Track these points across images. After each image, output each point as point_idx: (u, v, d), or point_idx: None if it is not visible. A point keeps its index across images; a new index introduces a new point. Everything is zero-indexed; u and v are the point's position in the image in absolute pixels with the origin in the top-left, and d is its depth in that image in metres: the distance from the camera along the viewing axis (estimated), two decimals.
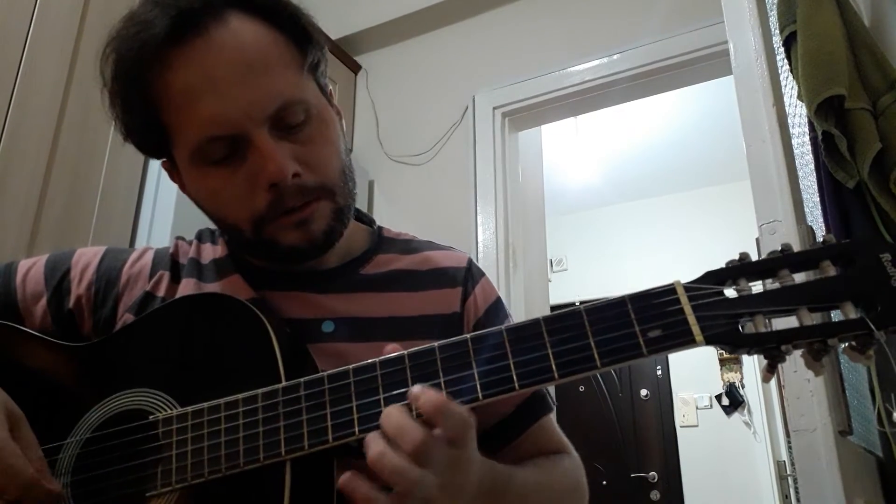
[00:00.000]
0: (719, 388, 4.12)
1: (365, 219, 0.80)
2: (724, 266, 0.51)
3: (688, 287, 0.50)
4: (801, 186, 1.16)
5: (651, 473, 4.15)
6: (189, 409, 0.57)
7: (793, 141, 1.20)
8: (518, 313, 2.09)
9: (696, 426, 4.14)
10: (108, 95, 0.65)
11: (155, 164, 1.77)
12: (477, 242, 2.15)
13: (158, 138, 0.65)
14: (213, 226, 0.77)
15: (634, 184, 4.50)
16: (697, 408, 4.16)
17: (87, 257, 0.74)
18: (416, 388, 0.50)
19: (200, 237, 0.78)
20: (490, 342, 0.53)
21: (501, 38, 2.36)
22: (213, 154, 0.62)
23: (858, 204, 1.14)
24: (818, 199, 1.21)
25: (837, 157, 1.14)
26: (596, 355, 0.50)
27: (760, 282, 0.50)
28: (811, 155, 1.23)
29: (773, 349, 0.48)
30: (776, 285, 0.49)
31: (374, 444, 0.49)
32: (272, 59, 0.63)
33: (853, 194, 1.14)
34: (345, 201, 0.67)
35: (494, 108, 2.29)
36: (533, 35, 2.31)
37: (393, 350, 0.55)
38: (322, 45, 0.68)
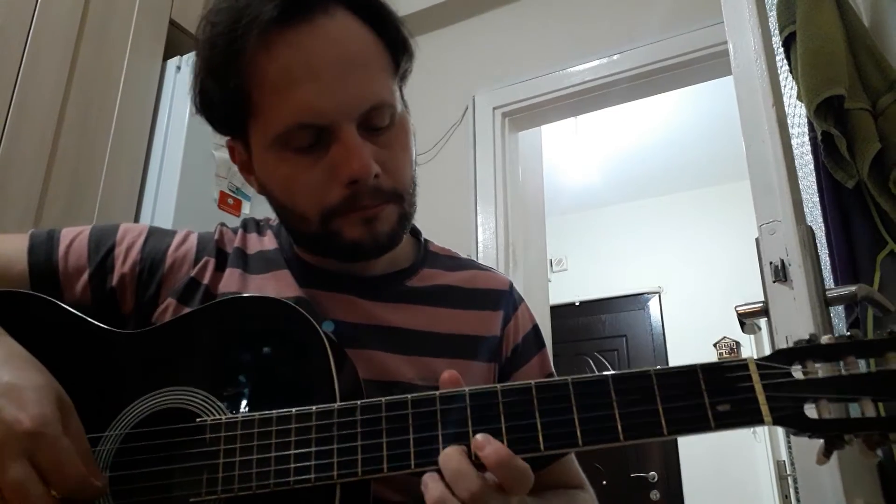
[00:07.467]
0: None
1: (412, 230, 0.80)
2: (792, 346, 0.52)
3: (759, 364, 0.51)
4: (801, 186, 1.16)
5: (651, 473, 4.15)
6: (239, 416, 0.56)
7: (792, 141, 1.20)
8: None
9: None
10: (197, 62, 0.65)
11: (155, 165, 1.77)
12: (477, 242, 2.15)
13: (240, 115, 0.65)
14: (258, 216, 0.78)
15: (634, 184, 4.50)
16: None
17: (132, 235, 0.73)
18: (480, 438, 0.50)
19: (246, 227, 0.78)
20: (555, 393, 0.52)
21: (501, 38, 2.36)
22: (298, 141, 0.62)
23: (858, 204, 1.14)
24: (818, 199, 1.21)
25: (837, 157, 1.14)
26: (663, 422, 0.50)
27: (825, 364, 0.50)
28: (811, 155, 1.23)
29: (836, 437, 0.49)
30: (841, 371, 0.50)
31: (434, 487, 0.49)
32: (372, 60, 0.64)
33: (853, 194, 1.14)
34: (410, 209, 0.69)
35: (494, 108, 2.29)
36: (533, 35, 2.31)
37: (450, 378, 0.54)
38: (413, 58, 0.69)
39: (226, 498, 0.54)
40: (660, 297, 4.46)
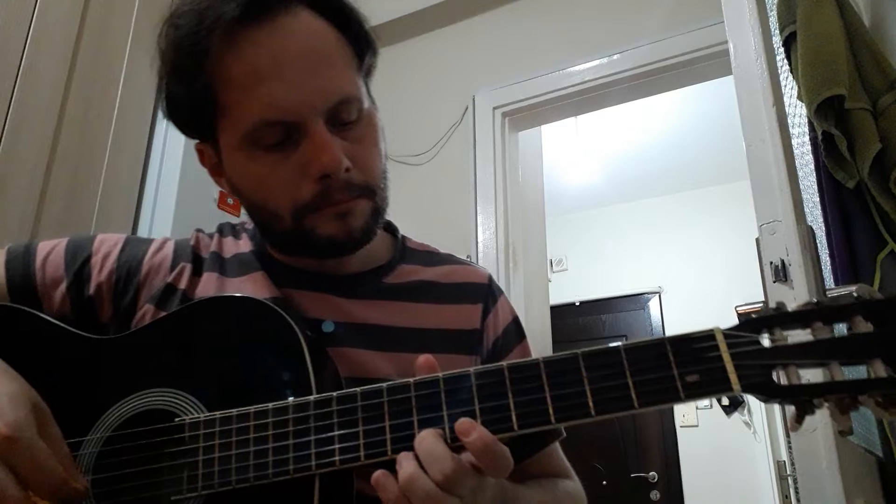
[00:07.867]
0: None
1: (389, 227, 0.80)
2: (760, 315, 0.52)
3: (727, 334, 0.51)
4: (801, 186, 1.16)
5: (651, 473, 4.15)
6: (217, 414, 0.56)
7: (793, 141, 1.20)
8: (518, 313, 2.09)
9: (696, 426, 4.14)
10: (162, 66, 0.66)
11: (155, 165, 1.77)
12: (477, 242, 2.15)
13: (207, 117, 0.65)
14: (233, 220, 0.77)
15: (634, 184, 4.50)
16: (697, 408, 4.16)
17: (108, 245, 0.74)
18: (466, 422, 0.50)
19: (222, 231, 0.78)
20: (527, 373, 0.52)
21: (501, 38, 2.36)
22: (266, 139, 0.62)
23: (858, 204, 1.14)
24: (818, 199, 1.21)
25: (837, 157, 1.15)
26: (634, 395, 0.50)
27: (794, 331, 0.51)
28: (811, 155, 1.23)
29: (805, 401, 0.49)
30: (809, 337, 0.50)
31: (407, 465, 0.49)
32: (336, 56, 0.64)
33: (853, 194, 1.14)
34: (382, 203, 0.68)
35: (494, 108, 2.29)
36: (533, 35, 2.31)
37: (425, 362, 0.54)
38: (377, 53, 0.70)
39: (207, 494, 0.54)
40: (660, 297, 4.46)
